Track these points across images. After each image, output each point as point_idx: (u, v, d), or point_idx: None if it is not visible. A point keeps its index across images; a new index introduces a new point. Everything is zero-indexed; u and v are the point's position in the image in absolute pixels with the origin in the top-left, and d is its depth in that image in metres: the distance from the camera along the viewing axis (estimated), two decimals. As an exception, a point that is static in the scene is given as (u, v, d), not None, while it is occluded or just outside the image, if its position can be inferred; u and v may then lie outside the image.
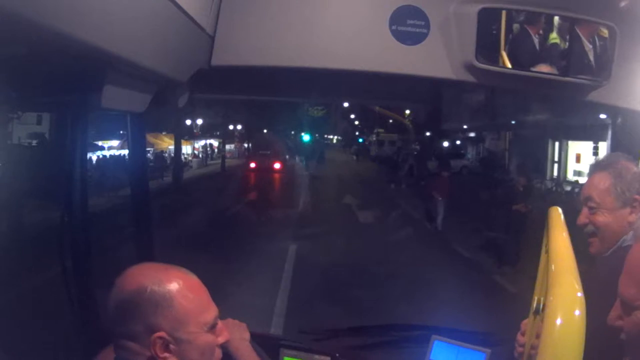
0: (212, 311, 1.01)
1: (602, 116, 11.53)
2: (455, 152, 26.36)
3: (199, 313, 0.97)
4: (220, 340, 1.03)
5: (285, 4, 1.40)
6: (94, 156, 21.83)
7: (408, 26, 1.40)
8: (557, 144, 20.37)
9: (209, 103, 19.44)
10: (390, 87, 1.89)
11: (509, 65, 1.37)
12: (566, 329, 0.64)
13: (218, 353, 1.03)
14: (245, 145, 38.45)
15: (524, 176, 8.94)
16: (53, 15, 0.68)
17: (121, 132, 22.36)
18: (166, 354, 0.93)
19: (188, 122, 26.51)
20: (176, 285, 0.95)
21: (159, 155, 23.69)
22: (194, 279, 1.00)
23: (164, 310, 0.92)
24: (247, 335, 1.38)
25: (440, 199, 10.90)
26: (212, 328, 1.00)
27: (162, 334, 0.92)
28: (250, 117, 31.32)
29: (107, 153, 22.84)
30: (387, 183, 20.51)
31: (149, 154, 21.10)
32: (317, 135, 46.70)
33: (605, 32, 1.40)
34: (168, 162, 23.68)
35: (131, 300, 0.93)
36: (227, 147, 34.95)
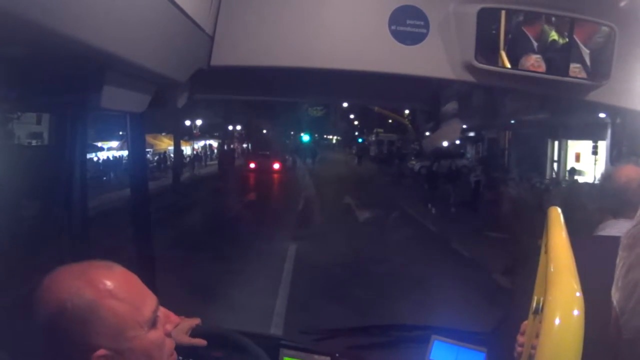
0: (149, 303, 0.88)
1: (602, 115, 11.57)
2: (455, 152, 26.30)
3: (134, 313, 0.84)
4: (169, 328, 0.92)
5: (285, 4, 1.40)
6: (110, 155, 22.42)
7: (407, 26, 1.40)
8: (556, 143, 20.39)
9: (209, 103, 19.46)
10: (389, 87, 1.89)
11: (509, 65, 1.37)
12: (564, 328, 0.64)
13: (169, 344, 0.92)
14: (245, 145, 38.46)
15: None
16: (52, 16, 0.68)
17: (120, 133, 22.47)
18: None
19: (187, 122, 26.58)
20: (100, 288, 0.81)
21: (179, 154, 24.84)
22: (119, 272, 0.87)
23: (95, 324, 0.79)
24: (185, 325, 1.33)
25: None
26: (154, 322, 0.88)
27: (101, 352, 0.79)
28: (250, 118, 31.37)
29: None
30: (424, 204, 14.01)
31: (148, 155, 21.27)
32: (316, 135, 46.79)
33: (604, 32, 1.40)
34: (187, 160, 25.93)
35: (52, 324, 0.78)
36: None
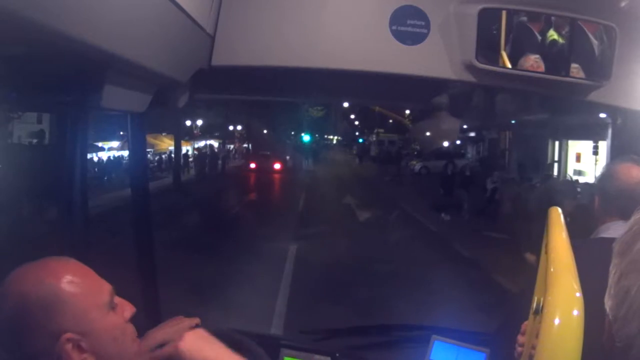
0: (105, 288, 0.92)
1: (602, 115, 11.55)
2: (456, 152, 26.25)
3: (93, 295, 0.88)
4: (127, 315, 0.95)
5: (285, 4, 1.40)
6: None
7: (408, 26, 1.40)
8: (557, 143, 20.38)
9: (209, 103, 19.47)
10: (390, 87, 1.89)
11: (509, 65, 1.37)
12: (564, 328, 0.65)
13: (130, 329, 0.95)
14: (245, 145, 38.49)
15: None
16: (53, 15, 0.68)
17: (121, 132, 22.48)
18: (83, 355, 0.83)
19: (188, 122, 26.60)
20: (59, 276, 0.85)
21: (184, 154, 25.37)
22: (75, 264, 0.91)
23: (58, 309, 0.82)
24: (184, 325, 1.36)
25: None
26: (112, 307, 0.92)
27: (68, 335, 0.82)
28: (251, 118, 31.39)
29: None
30: (436, 211, 12.69)
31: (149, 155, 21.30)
32: (317, 135, 46.78)
33: (605, 32, 1.40)
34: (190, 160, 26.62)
35: (17, 316, 0.81)
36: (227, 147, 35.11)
